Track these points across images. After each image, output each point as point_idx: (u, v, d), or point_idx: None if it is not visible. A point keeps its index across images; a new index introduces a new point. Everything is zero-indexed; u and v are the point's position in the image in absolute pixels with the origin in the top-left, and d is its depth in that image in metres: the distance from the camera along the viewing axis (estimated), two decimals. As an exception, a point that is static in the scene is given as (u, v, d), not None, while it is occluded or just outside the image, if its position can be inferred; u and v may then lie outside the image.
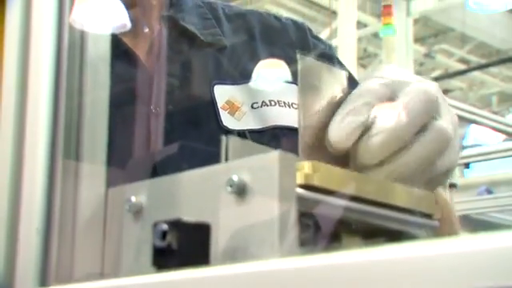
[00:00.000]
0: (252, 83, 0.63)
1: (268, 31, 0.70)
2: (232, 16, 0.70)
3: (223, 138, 0.31)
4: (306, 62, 0.39)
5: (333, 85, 0.37)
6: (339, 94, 0.41)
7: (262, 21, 0.71)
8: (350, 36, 4.77)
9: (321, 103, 0.39)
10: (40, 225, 0.27)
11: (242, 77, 0.64)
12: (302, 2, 6.03)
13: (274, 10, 5.71)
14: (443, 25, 6.44)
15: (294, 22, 0.72)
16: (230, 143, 0.30)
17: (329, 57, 0.70)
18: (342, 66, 0.72)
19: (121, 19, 0.37)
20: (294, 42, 0.69)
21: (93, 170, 0.30)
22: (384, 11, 1.92)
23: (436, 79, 7.22)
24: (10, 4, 0.30)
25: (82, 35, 0.32)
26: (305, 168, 0.29)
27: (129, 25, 0.45)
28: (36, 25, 0.30)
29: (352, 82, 0.70)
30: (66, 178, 0.29)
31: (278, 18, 0.72)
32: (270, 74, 0.66)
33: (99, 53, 0.33)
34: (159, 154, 0.60)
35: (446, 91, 7.69)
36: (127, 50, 0.62)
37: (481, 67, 6.97)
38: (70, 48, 0.31)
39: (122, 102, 0.58)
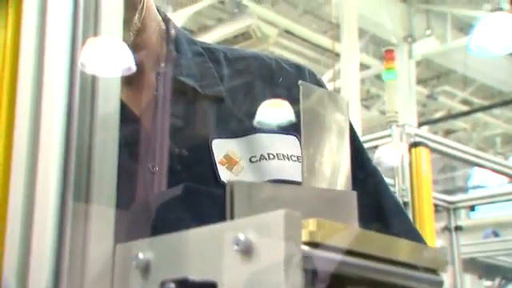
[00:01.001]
0: (250, 136, 0.62)
1: (269, 75, 0.69)
2: (233, 60, 0.69)
3: (228, 182, 0.31)
4: (306, 87, 0.40)
5: (333, 110, 0.37)
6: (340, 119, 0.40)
7: (263, 65, 0.70)
8: (353, 78, 4.82)
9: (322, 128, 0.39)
10: (49, 283, 0.27)
11: (241, 129, 0.63)
12: (306, 44, 6.13)
13: (278, 52, 5.80)
14: (445, 67, 6.51)
15: (296, 66, 0.71)
16: (234, 188, 0.31)
17: None
18: None
19: (126, 62, 0.38)
20: (295, 86, 0.69)
21: (101, 226, 0.30)
22: (386, 56, 1.95)
23: (439, 120, 7.27)
24: (23, 49, 0.31)
25: (93, 79, 0.32)
26: (309, 225, 0.30)
27: (134, 68, 0.46)
28: (49, 69, 0.31)
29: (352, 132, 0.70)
30: (75, 235, 0.29)
31: (279, 62, 0.71)
32: (271, 116, 0.65)
33: (109, 97, 0.33)
34: (160, 196, 0.59)
35: (449, 132, 7.72)
36: (123, 106, 0.61)
37: (483, 109, 7.01)
38: (81, 93, 0.32)
39: (119, 160, 0.58)
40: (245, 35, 5.23)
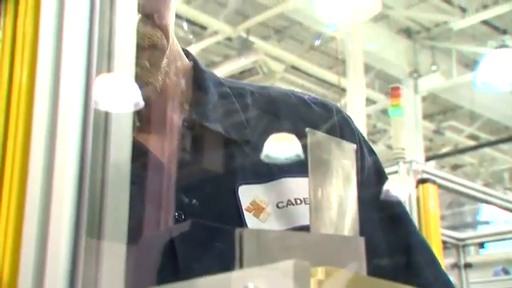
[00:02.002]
0: (277, 181, 0.60)
1: (296, 115, 0.67)
2: (260, 100, 0.67)
3: (236, 230, 0.32)
4: (314, 135, 0.40)
5: (340, 156, 0.37)
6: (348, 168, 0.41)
7: (290, 104, 0.68)
8: (359, 112, 4.85)
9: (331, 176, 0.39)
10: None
11: (267, 173, 0.61)
12: (312, 79, 6.18)
13: (284, 87, 5.85)
14: (451, 102, 6.53)
15: (324, 104, 0.70)
16: (244, 236, 0.31)
17: (354, 140, 0.67)
18: (370, 150, 0.70)
19: (134, 97, 0.39)
20: (321, 125, 0.66)
21: (113, 263, 0.31)
22: (392, 93, 1.96)
23: (446, 155, 7.25)
24: (38, 87, 0.32)
25: (106, 117, 0.33)
26: (318, 274, 0.30)
27: (142, 103, 0.46)
28: (63, 108, 0.32)
29: (377, 168, 0.69)
30: (87, 272, 0.29)
31: (306, 100, 0.69)
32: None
33: (121, 133, 0.34)
34: (182, 239, 0.57)
35: (456, 167, 7.69)
36: (147, 152, 0.60)
37: (491, 144, 6.99)
38: (94, 131, 0.32)
39: (145, 208, 0.56)
40: (251, 71, 5.29)
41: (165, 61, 0.61)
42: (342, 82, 5.27)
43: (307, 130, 0.37)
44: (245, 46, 5.31)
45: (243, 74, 5.27)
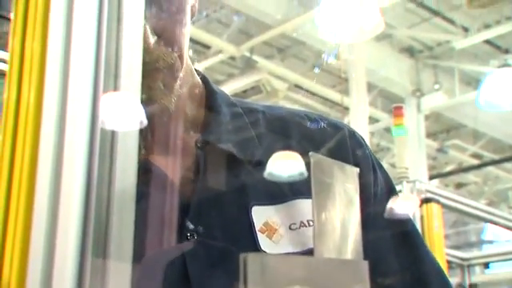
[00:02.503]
0: (290, 202, 0.60)
1: (308, 136, 0.67)
2: (272, 121, 0.67)
3: (240, 255, 0.31)
4: (317, 159, 0.40)
5: (343, 180, 0.37)
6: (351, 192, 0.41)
7: (303, 125, 0.68)
8: (363, 131, 4.85)
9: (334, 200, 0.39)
10: None
11: (280, 194, 0.61)
12: (315, 98, 6.20)
13: (288, 105, 5.87)
14: (454, 121, 6.53)
15: (336, 125, 0.70)
16: (248, 260, 0.31)
17: (367, 160, 0.67)
18: (381, 169, 0.70)
19: (140, 117, 0.39)
20: (333, 147, 0.66)
21: (119, 282, 0.30)
22: (395, 112, 1.97)
23: (450, 174, 7.23)
24: (46, 105, 0.33)
25: (112, 134, 0.33)
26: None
27: (145, 121, 0.47)
28: (70, 125, 0.32)
29: (390, 189, 0.69)
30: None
31: (318, 121, 0.69)
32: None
33: (127, 152, 0.34)
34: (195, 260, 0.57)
35: (460, 185, 7.66)
36: (161, 173, 0.61)
37: (494, 163, 6.97)
38: (101, 148, 0.32)
39: (157, 227, 0.56)
40: (255, 89, 5.31)
41: (178, 82, 0.61)
42: (345, 101, 5.28)
43: (310, 153, 0.37)
44: (248, 65, 5.34)
45: (247, 92, 5.29)
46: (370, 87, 5.60)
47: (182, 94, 0.62)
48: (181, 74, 0.61)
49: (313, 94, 6.11)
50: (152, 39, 0.57)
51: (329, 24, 3.58)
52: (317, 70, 5.82)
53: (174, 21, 0.60)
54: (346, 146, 0.67)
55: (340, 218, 0.39)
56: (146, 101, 0.57)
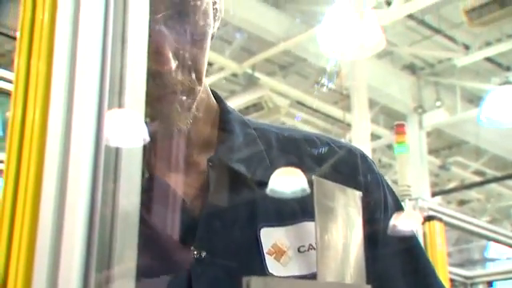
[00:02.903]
0: (299, 224, 0.60)
1: (320, 159, 0.67)
2: (284, 142, 0.68)
3: (244, 279, 0.31)
4: (319, 182, 0.40)
5: (346, 203, 0.37)
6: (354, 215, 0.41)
7: (314, 147, 0.68)
8: (364, 147, 4.85)
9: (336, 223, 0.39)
10: None
11: (289, 216, 0.61)
12: (317, 114, 6.22)
13: (290, 122, 5.88)
14: (456, 137, 6.53)
15: (348, 149, 0.70)
16: (251, 284, 0.31)
17: (377, 185, 0.68)
18: (392, 194, 0.70)
19: (143, 134, 0.39)
20: (344, 171, 0.66)
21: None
22: (397, 130, 1.96)
23: (452, 191, 7.21)
24: (51, 123, 0.33)
25: (116, 151, 0.33)
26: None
27: (147, 139, 0.47)
28: (75, 143, 0.32)
29: (398, 209, 0.69)
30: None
31: (330, 145, 0.69)
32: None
33: (131, 169, 0.34)
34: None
35: (463, 202, 7.63)
36: (170, 190, 0.61)
37: (497, 180, 6.95)
38: (106, 165, 0.32)
39: (164, 245, 0.57)
40: (257, 106, 5.33)
41: (195, 104, 0.61)
42: (346, 117, 5.29)
43: (313, 177, 0.37)
44: (250, 82, 5.36)
45: (249, 109, 5.30)
46: (372, 104, 5.62)
47: (198, 115, 0.63)
48: (198, 97, 0.62)
49: (315, 110, 6.13)
50: (173, 64, 0.57)
51: (331, 41, 3.60)
52: (319, 87, 5.84)
53: (196, 47, 0.60)
54: (357, 170, 0.67)
55: (343, 242, 0.39)
56: (162, 122, 0.58)
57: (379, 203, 0.67)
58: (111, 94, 0.35)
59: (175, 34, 0.58)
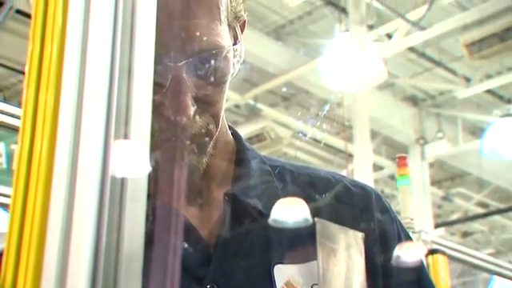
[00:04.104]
0: (313, 262, 0.59)
1: (334, 197, 0.68)
2: (299, 180, 0.68)
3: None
4: (322, 224, 0.41)
5: (348, 245, 0.38)
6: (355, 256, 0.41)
7: (329, 186, 0.69)
8: (367, 178, 4.84)
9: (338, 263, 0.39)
10: None
11: (303, 254, 0.61)
12: (319, 145, 6.23)
13: (292, 152, 5.89)
14: (459, 169, 6.52)
15: (362, 188, 0.70)
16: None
17: (391, 226, 0.68)
18: (406, 234, 0.71)
19: (147, 164, 0.39)
20: (359, 210, 0.67)
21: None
22: (399, 163, 1.97)
23: (456, 222, 7.15)
24: (58, 155, 0.33)
25: (122, 182, 0.33)
26: None
27: (154, 169, 0.47)
28: (81, 174, 0.33)
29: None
30: None
31: (345, 183, 0.70)
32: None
33: (136, 199, 0.34)
34: None
35: (466, 234, 7.56)
36: (186, 223, 0.61)
37: (500, 212, 6.91)
38: (111, 196, 0.33)
39: (177, 276, 0.55)
40: (259, 137, 5.34)
41: (211, 143, 0.62)
42: (348, 148, 5.30)
43: (316, 219, 0.38)
44: (253, 113, 5.39)
45: (251, 139, 5.32)
46: (374, 135, 5.63)
47: (215, 152, 0.63)
48: (215, 137, 0.63)
49: (317, 141, 6.14)
50: (192, 110, 0.58)
51: (332, 73, 3.63)
52: (320, 118, 5.86)
53: (215, 91, 0.61)
54: (371, 210, 0.68)
55: (344, 282, 0.39)
56: (178, 160, 0.59)
57: (393, 243, 0.68)
58: (117, 125, 0.35)
59: (195, 80, 0.59)
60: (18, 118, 1.38)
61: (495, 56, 4.24)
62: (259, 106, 5.43)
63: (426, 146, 5.82)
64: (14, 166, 0.34)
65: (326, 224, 0.40)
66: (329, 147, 6.22)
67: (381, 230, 0.66)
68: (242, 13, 0.66)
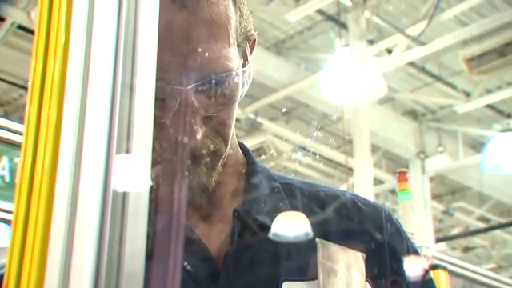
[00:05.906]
0: (319, 280, 0.59)
1: (344, 214, 0.68)
2: (309, 198, 0.69)
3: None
4: (324, 245, 0.41)
5: (349, 265, 0.38)
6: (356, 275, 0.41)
7: (339, 203, 0.69)
8: (367, 192, 4.83)
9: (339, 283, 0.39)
10: None
11: (312, 271, 0.61)
12: (320, 159, 6.22)
13: (292, 166, 5.88)
14: (459, 183, 6.51)
15: (372, 206, 0.71)
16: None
17: (402, 244, 0.69)
18: (412, 245, 0.71)
19: (148, 179, 0.39)
20: (369, 228, 0.67)
21: None
22: (399, 177, 1.97)
23: (457, 237, 7.12)
24: (60, 169, 0.33)
25: (123, 197, 0.34)
26: None
27: (155, 184, 0.47)
28: (84, 188, 0.33)
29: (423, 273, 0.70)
30: None
31: (355, 201, 0.70)
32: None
33: (138, 214, 0.34)
34: None
35: (467, 249, 7.52)
36: (195, 238, 0.62)
37: (501, 226, 6.88)
38: (113, 210, 0.33)
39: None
40: (259, 151, 5.34)
41: (220, 163, 0.62)
42: (349, 162, 5.29)
43: (317, 240, 0.38)
44: (253, 127, 5.40)
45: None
46: (374, 149, 5.63)
47: (224, 169, 0.64)
48: (224, 156, 0.63)
49: (317, 155, 6.13)
50: (201, 133, 0.58)
51: (333, 87, 3.65)
52: (321, 132, 5.88)
53: (224, 113, 0.62)
54: (381, 225, 0.68)
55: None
56: (186, 177, 0.59)
57: (403, 254, 0.68)
58: (119, 140, 0.35)
59: (204, 102, 0.59)
60: (19, 133, 1.39)
61: (495, 71, 4.26)
62: (259, 120, 5.44)
63: (427, 160, 5.82)
64: (17, 181, 0.35)
65: (326, 244, 0.40)
66: (329, 161, 6.22)
67: (391, 248, 0.67)
68: (252, 31, 0.67)
